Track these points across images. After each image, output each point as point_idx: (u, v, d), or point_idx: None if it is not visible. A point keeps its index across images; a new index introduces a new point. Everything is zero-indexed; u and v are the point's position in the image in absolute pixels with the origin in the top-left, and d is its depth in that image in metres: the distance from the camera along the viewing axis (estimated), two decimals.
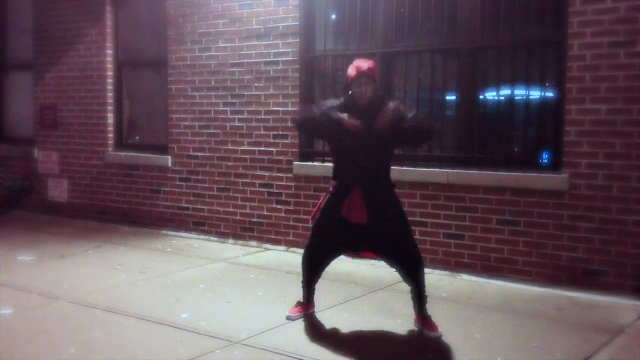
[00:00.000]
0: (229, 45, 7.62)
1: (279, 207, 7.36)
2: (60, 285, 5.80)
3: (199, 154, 7.94)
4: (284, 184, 7.32)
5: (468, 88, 6.29)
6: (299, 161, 7.20)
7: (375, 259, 5.01)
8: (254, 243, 7.49)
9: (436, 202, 6.35)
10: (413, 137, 4.71)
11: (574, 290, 5.61)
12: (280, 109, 7.28)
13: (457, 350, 4.37)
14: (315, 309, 5.05)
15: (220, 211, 7.80)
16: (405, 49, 6.62)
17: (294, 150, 7.23)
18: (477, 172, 6.15)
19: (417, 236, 6.25)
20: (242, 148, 7.60)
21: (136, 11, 8.70)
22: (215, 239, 7.76)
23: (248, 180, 7.58)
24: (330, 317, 4.99)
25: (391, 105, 4.56)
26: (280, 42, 7.25)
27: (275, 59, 7.29)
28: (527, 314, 5.08)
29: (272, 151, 7.37)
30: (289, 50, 7.19)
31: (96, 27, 8.76)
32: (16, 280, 5.93)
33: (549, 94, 6.01)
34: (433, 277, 6.12)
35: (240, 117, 7.59)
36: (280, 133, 7.29)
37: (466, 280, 6.03)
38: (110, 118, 8.80)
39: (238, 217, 7.67)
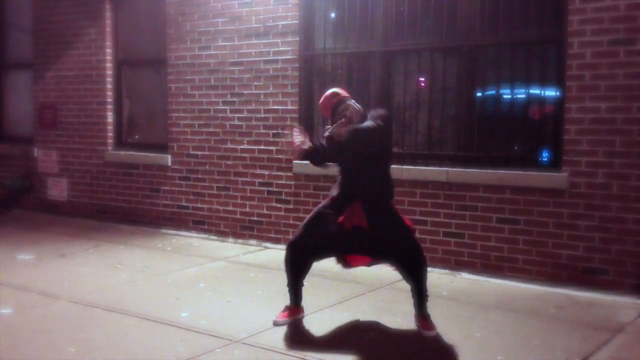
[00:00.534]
0: (228, 43, 7.62)
1: (278, 205, 7.36)
2: (60, 285, 5.79)
3: (199, 152, 7.94)
4: (283, 182, 7.31)
5: (468, 86, 6.28)
6: (298, 160, 7.18)
7: (366, 266, 4.88)
8: (253, 242, 7.49)
9: (436, 200, 6.34)
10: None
11: (574, 288, 5.61)
12: (280, 107, 7.28)
13: (457, 349, 4.36)
14: (322, 307, 5.02)
15: (220, 210, 7.80)
16: (405, 47, 6.61)
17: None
18: (477, 170, 6.14)
19: (417, 235, 6.25)
20: (241, 147, 7.59)
21: (136, 10, 8.69)
22: (215, 237, 7.76)
23: (248, 179, 7.57)
24: (330, 315, 4.98)
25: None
26: (279, 40, 7.24)
27: (274, 58, 7.29)
28: (527, 313, 5.07)
29: (272, 150, 7.37)
30: (289, 48, 7.19)
31: (96, 26, 8.76)
32: (16, 280, 5.93)
33: (549, 93, 6.00)
34: (433, 276, 6.11)
35: (240, 115, 7.58)
36: (280, 132, 7.28)
37: (466, 279, 6.03)
38: (110, 117, 8.80)
39: (238, 216, 7.67)
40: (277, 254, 7.05)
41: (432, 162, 6.43)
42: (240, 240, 7.58)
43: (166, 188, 8.26)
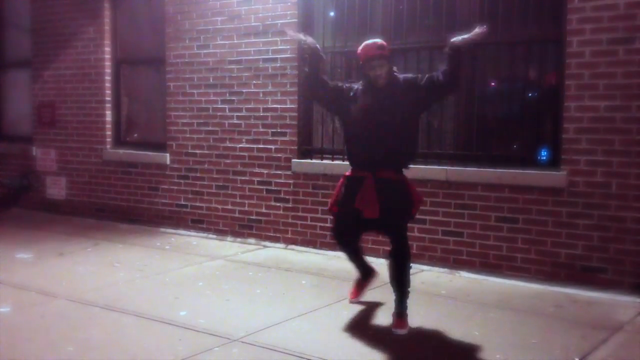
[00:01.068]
0: (227, 42, 7.61)
1: (277, 204, 7.36)
2: (58, 283, 5.79)
3: (198, 151, 7.93)
4: (282, 181, 7.31)
5: (466, 85, 6.27)
6: (297, 159, 7.19)
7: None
8: (252, 241, 7.49)
9: (435, 199, 6.34)
10: (435, 92, 4.72)
11: (572, 287, 5.61)
12: (279, 106, 7.27)
13: (456, 347, 4.37)
14: (322, 306, 5.11)
15: (219, 209, 7.80)
16: (404, 46, 6.60)
17: (292, 147, 7.22)
18: (476, 169, 6.14)
19: (415, 233, 6.28)
20: (240, 145, 7.59)
21: (134, 8, 8.68)
22: (214, 236, 7.76)
23: (247, 178, 7.57)
24: (329, 314, 4.98)
25: (402, 77, 4.70)
26: (278, 39, 7.23)
27: (273, 56, 7.28)
28: (526, 311, 5.08)
29: (271, 148, 7.36)
30: (288, 47, 7.18)
31: (94, 25, 8.75)
32: (14, 278, 5.93)
33: (548, 91, 6.00)
34: (432, 275, 6.12)
35: (239, 114, 7.58)
36: (279, 130, 7.28)
37: (465, 278, 6.03)
38: (109, 115, 8.79)
39: (237, 215, 7.66)
40: (276, 252, 7.06)
41: (431, 160, 6.43)
42: (239, 239, 7.58)
43: (165, 187, 8.25)
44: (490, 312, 5.07)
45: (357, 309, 5.09)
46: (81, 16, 8.87)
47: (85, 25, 8.83)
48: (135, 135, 8.89)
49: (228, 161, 7.70)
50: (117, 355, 4.19)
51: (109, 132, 8.80)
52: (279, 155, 7.31)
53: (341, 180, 4.87)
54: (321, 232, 7.04)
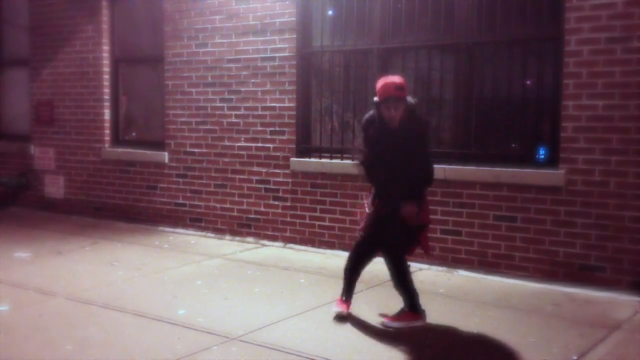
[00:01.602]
0: (225, 41, 7.61)
1: (276, 203, 7.36)
2: (57, 282, 5.79)
3: (196, 150, 7.93)
4: (281, 180, 7.31)
5: (465, 84, 6.28)
6: (296, 157, 7.19)
7: None
8: (251, 239, 7.49)
9: (433, 198, 6.32)
10: (414, 168, 4.68)
11: (571, 285, 5.62)
12: (277, 105, 7.27)
13: (454, 346, 4.37)
14: (320, 304, 5.09)
15: (217, 207, 7.80)
16: (402, 45, 6.61)
17: (290, 146, 7.22)
18: (474, 168, 6.15)
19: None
20: (239, 144, 7.59)
21: (132, 7, 8.67)
22: (213, 235, 7.76)
23: (245, 177, 7.57)
24: (327, 313, 4.98)
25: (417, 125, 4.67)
26: (277, 38, 7.23)
27: (272, 55, 7.28)
28: (524, 310, 5.08)
29: (269, 147, 7.36)
30: (286, 46, 7.18)
31: (92, 23, 8.74)
32: (13, 277, 5.92)
33: (546, 90, 6.00)
34: (430, 273, 6.13)
35: (237, 113, 7.57)
36: (277, 129, 7.28)
37: (463, 276, 6.04)
38: (107, 114, 8.79)
39: (235, 214, 7.66)
40: (274, 251, 7.06)
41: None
42: (237, 238, 7.58)
43: (163, 185, 8.25)
44: (488, 310, 5.08)
45: (355, 307, 5.08)
46: (79, 15, 8.86)
47: (84, 23, 8.82)
48: (134, 133, 8.89)
49: (226, 160, 7.70)
50: (115, 354, 4.19)
51: (107, 131, 8.80)
52: (277, 153, 7.31)
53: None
54: (320, 230, 7.04)
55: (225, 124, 7.68)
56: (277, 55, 7.24)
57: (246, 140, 7.53)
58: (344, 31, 6.92)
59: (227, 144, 7.67)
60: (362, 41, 6.78)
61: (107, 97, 8.77)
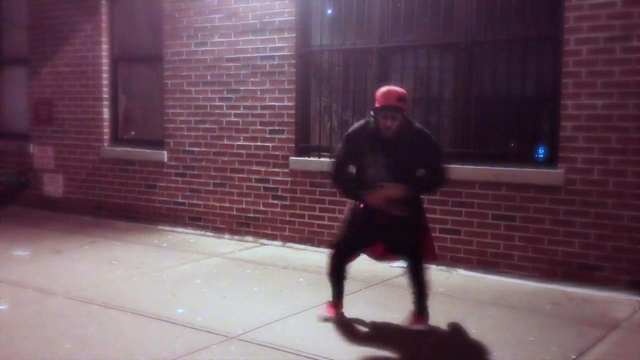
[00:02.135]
0: (225, 40, 7.61)
1: (275, 202, 7.36)
2: (56, 281, 5.79)
3: (195, 149, 7.93)
4: (280, 179, 7.31)
5: (464, 83, 6.28)
6: (295, 156, 7.19)
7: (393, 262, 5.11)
8: (250, 238, 7.49)
9: (432, 197, 6.34)
10: (428, 178, 4.68)
11: (569, 285, 5.62)
12: (277, 104, 7.27)
13: (453, 345, 4.38)
14: (319, 303, 5.08)
15: (217, 206, 7.80)
16: (402, 44, 6.61)
17: (290, 145, 7.22)
18: (473, 167, 6.15)
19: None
20: (238, 143, 7.58)
21: (132, 5, 8.67)
22: (212, 234, 7.76)
23: (244, 176, 7.57)
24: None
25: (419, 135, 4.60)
26: (276, 36, 7.23)
27: (271, 54, 7.28)
28: (523, 309, 5.09)
29: (269, 146, 7.36)
30: (285, 45, 7.17)
31: (92, 22, 8.73)
32: (12, 276, 5.92)
33: (545, 89, 6.00)
34: (429, 272, 6.12)
35: (236, 112, 7.57)
36: (277, 128, 7.28)
37: (462, 275, 6.04)
38: (106, 113, 8.78)
39: (234, 213, 7.66)
40: (273, 250, 7.06)
41: None
42: (236, 237, 7.58)
43: (162, 184, 8.25)
44: (487, 309, 5.08)
45: (354, 307, 5.09)
46: (78, 13, 8.85)
47: (83, 22, 8.81)
48: (133, 132, 8.89)
49: (226, 159, 7.70)
50: (114, 352, 4.19)
51: (106, 130, 8.79)
52: (276, 152, 7.31)
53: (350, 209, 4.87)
54: (319, 229, 7.04)
55: (224, 122, 7.67)
56: (276, 54, 7.24)
57: (245, 139, 7.52)
58: (343, 30, 6.91)
59: (226, 142, 7.67)
60: (362, 40, 6.78)
61: (106, 95, 8.76)
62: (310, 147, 7.20)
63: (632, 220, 5.45)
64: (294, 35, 7.12)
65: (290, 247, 7.12)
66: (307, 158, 7.15)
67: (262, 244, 7.30)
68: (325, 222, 7.00)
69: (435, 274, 6.06)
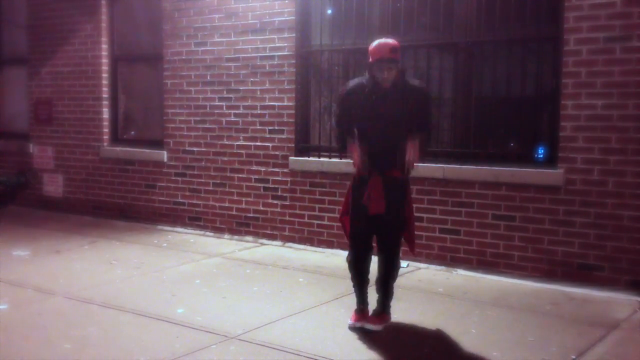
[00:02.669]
0: (224, 39, 7.61)
1: (275, 202, 7.36)
2: (55, 281, 5.78)
3: (195, 149, 7.93)
4: (280, 179, 7.31)
5: (464, 83, 6.29)
6: (295, 156, 7.19)
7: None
8: (249, 238, 7.49)
9: (432, 197, 6.35)
10: (419, 126, 4.69)
11: (569, 285, 5.62)
12: (276, 104, 7.27)
13: (453, 345, 4.37)
14: (319, 303, 5.04)
15: (216, 206, 7.80)
16: (402, 43, 6.53)
17: (289, 145, 7.22)
18: (473, 167, 6.15)
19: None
20: (238, 143, 7.58)
21: (131, 5, 8.67)
22: (211, 234, 7.75)
23: (244, 176, 7.57)
24: (326, 312, 4.99)
25: (417, 89, 4.69)
26: (276, 36, 7.23)
27: (271, 54, 7.28)
28: (523, 309, 5.09)
29: (268, 146, 7.36)
30: (285, 45, 7.17)
31: (91, 22, 8.73)
32: (11, 276, 5.92)
33: (545, 89, 6.00)
34: (429, 272, 6.13)
35: (236, 112, 7.57)
36: (276, 128, 7.28)
37: (462, 276, 6.04)
38: (106, 113, 8.78)
39: (234, 212, 7.66)
40: (273, 250, 7.06)
41: (428, 158, 6.40)
42: (236, 237, 7.58)
43: (162, 184, 8.25)
44: (487, 309, 5.08)
45: (354, 306, 5.08)
46: (78, 13, 8.85)
47: (83, 22, 8.81)
48: (133, 132, 8.89)
49: (225, 159, 7.70)
50: (114, 352, 4.19)
51: (106, 130, 8.79)
52: (276, 152, 7.31)
53: (349, 187, 4.83)
54: (318, 229, 7.04)
55: (224, 122, 7.67)
56: (276, 54, 7.24)
57: (245, 139, 7.52)
58: (343, 30, 6.91)
59: (226, 142, 7.67)
60: (362, 40, 6.76)
61: (106, 95, 8.76)
62: (310, 147, 7.20)
63: (631, 221, 5.46)
64: (293, 35, 7.12)
65: (290, 247, 7.12)
66: (306, 158, 7.15)
67: (262, 244, 7.30)
68: (325, 222, 7.00)
69: (435, 274, 6.08)
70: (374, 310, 4.71)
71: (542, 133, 6.07)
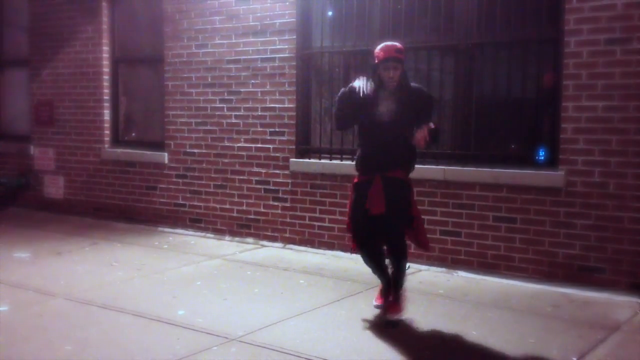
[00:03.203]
0: (225, 42, 7.61)
1: (275, 204, 7.36)
2: (56, 282, 5.79)
3: (196, 150, 7.93)
4: (280, 180, 7.31)
5: (465, 85, 6.29)
6: (295, 158, 7.19)
7: None
8: (250, 240, 7.49)
9: (433, 199, 6.35)
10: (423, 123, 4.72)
11: (570, 287, 5.62)
12: (277, 105, 7.27)
13: (454, 346, 4.37)
14: (320, 305, 5.08)
15: (217, 208, 7.80)
16: (402, 45, 6.59)
17: (290, 147, 7.22)
18: (474, 169, 6.15)
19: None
20: (238, 145, 7.59)
21: (132, 7, 8.68)
22: (212, 235, 7.76)
23: (245, 177, 7.57)
24: (327, 313, 4.99)
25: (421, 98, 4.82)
26: (277, 38, 7.23)
27: (271, 56, 7.29)
28: (524, 311, 5.08)
29: (269, 148, 7.37)
30: (286, 47, 7.18)
31: (92, 24, 8.74)
32: (12, 277, 5.92)
33: (546, 91, 6.00)
34: (429, 274, 6.13)
35: (237, 114, 7.58)
36: (277, 130, 7.28)
37: (463, 277, 6.04)
38: (107, 115, 8.79)
39: (235, 214, 7.66)
40: (274, 252, 7.06)
41: (428, 160, 6.43)
42: (237, 238, 7.58)
43: (163, 186, 8.25)
44: (487, 311, 5.08)
45: (354, 308, 5.09)
46: (79, 15, 8.86)
47: (83, 24, 8.82)
48: (133, 134, 8.89)
49: (226, 160, 7.70)
50: (115, 354, 4.19)
51: (107, 131, 8.80)
52: (277, 154, 7.32)
53: (350, 191, 4.91)
54: (319, 231, 7.04)
55: (225, 124, 7.68)
56: (277, 56, 7.25)
57: (246, 141, 7.53)
58: (343, 32, 6.92)
59: (227, 144, 7.67)
60: (362, 42, 6.78)
61: (106, 97, 8.77)
62: (311, 149, 7.20)
63: (632, 222, 5.45)
64: (294, 37, 7.13)
65: (291, 249, 7.12)
66: (307, 160, 7.15)
67: (263, 246, 7.30)
68: (326, 224, 7.00)
69: (436, 275, 6.08)
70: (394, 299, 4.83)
71: (542, 135, 6.07)
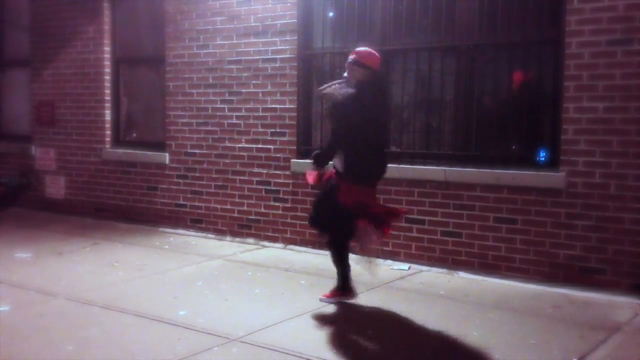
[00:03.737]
0: (226, 42, 7.62)
1: (276, 204, 7.36)
2: (57, 283, 5.79)
3: (197, 151, 7.94)
4: (281, 181, 7.32)
5: (465, 86, 6.29)
6: (296, 159, 7.20)
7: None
8: (251, 240, 7.49)
9: (434, 200, 6.35)
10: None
11: (571, 288, 5.62)
12: (278, 106, 7.28)
13: (454, 347, 4.38)
14: (321, 306, 5.10)
15: (218, 208, 7.80)
16: (403, 46, 6.62)
17: (291, 147, 7.23)
18: (475, 170, 6.15)
19: (414, 233, 6.33)
20: (239, 145, 7.59)
21: (134, 8, 8.69)
22: (213, 236, 7.76)
23: (246, 178, 7.57)
24: (328, 314, 4.99)
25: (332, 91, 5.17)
26: (278, 39, 7.24)
27: (273, 57, 7.29)
28: (525, 312, 5.09)
29: (270, 148, 7.37)
30: (287, 47, 7.19)
31: (94, 24, 8.75)
32: (13, 278, 5.93)
33: (547, 92, 6.01)
34: (430, 275, 6.13)
35: (238, 114, 7.58)
36: (278, 130, 7.29)
37: (463, 278, 6.04)
38: (108, 115, 8.79)
39: (236, 215, 7.67)
40: (274, 252, 7.06)
41: (429, 161, 6.44)
42: (237, 239, 7.59)
43: (164, 186, 8.25)
44: (488, 312, 5.08)
45: (355, 309, 5.10)
46: (81, 15, 8.87)
47: (85, 24, 8.83)
48: (135, 134, 8.90)
49: (227, 161, 7.70)
50: (116, 354, 4.19)
51: (108, 132, 8.80)
52: (278, 155, 7.32)
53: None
54: None
55: (226, 125, 7.69)
56: (278, 56, 7.25)
57: (247, 141, 7.53)
58: (344, 33, 6.93)
59: (228, 145, 7.68)
60: (363, 43, 6.75)
61: (108, 98, 8.77)
62: (312, 150, 7.19)
63: (633, 223, 5.46)
64: (295, 37, 7.13)
65: (292, 250, 7.13)
66: (308, 160, 7.14)
67: (264, 246, 7.31)
68: None
69: (437, 276, 6.08)
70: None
71: (543, 136, 6.08)
